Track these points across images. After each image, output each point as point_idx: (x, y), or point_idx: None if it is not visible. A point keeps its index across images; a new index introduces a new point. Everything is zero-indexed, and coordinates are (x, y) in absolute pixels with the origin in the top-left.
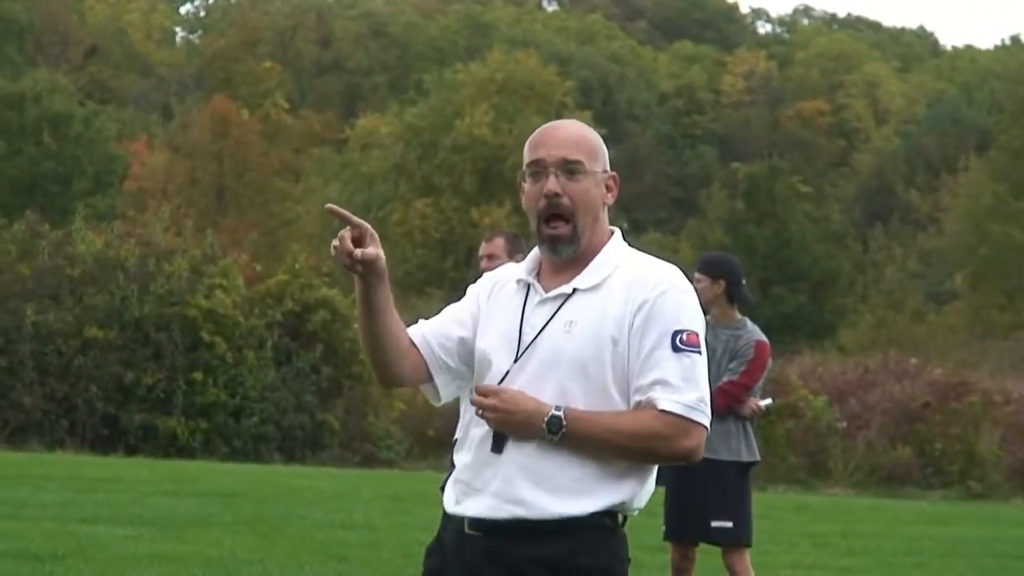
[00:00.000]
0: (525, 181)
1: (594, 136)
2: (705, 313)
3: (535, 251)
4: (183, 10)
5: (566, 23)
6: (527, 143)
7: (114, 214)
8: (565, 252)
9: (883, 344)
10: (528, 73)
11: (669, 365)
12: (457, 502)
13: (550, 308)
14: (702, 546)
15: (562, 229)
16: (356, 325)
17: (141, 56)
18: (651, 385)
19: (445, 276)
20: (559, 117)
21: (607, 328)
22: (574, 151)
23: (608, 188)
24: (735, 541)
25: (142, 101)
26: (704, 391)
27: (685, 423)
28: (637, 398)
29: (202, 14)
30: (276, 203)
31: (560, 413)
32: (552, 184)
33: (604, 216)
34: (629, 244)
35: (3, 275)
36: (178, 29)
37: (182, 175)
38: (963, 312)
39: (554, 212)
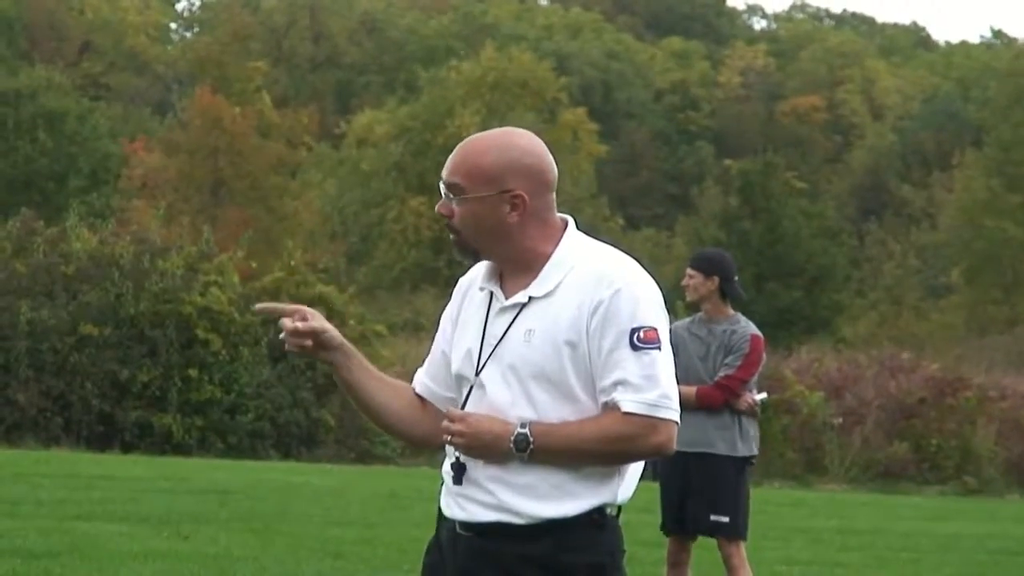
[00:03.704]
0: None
1: (495, 156)
2: (697, 309)
3: None
4: (179, 7)
5: (561, 19)
6: None
7: (109, 211)
8: (465, 257)
9: (882, 339)
10: (521, 70)
11: (629, 364)
12: (447, 505)
13: (508, 317)
14: (698, 539)
15: (454, 237)
16: (352, 322)
17: (136, 53)
18: (613, 386)
19: (439, 274)
20: (553, 114)
21: (564, 334)
22: (455, 174)
23: (514, 207)
24: (732, 535)
25: (137, 98)
26: (666, 386)
27: (651, 421)
28: (603, 399)
29: (195, 7)
30: (273, 198)
31: (526, 431)
32: (439, 204)
33: (526, 228)
34: (603, 238)
35: None
36: (173, 25)
37: (177, 171)
38: (960, 307)
39: (449, 228)
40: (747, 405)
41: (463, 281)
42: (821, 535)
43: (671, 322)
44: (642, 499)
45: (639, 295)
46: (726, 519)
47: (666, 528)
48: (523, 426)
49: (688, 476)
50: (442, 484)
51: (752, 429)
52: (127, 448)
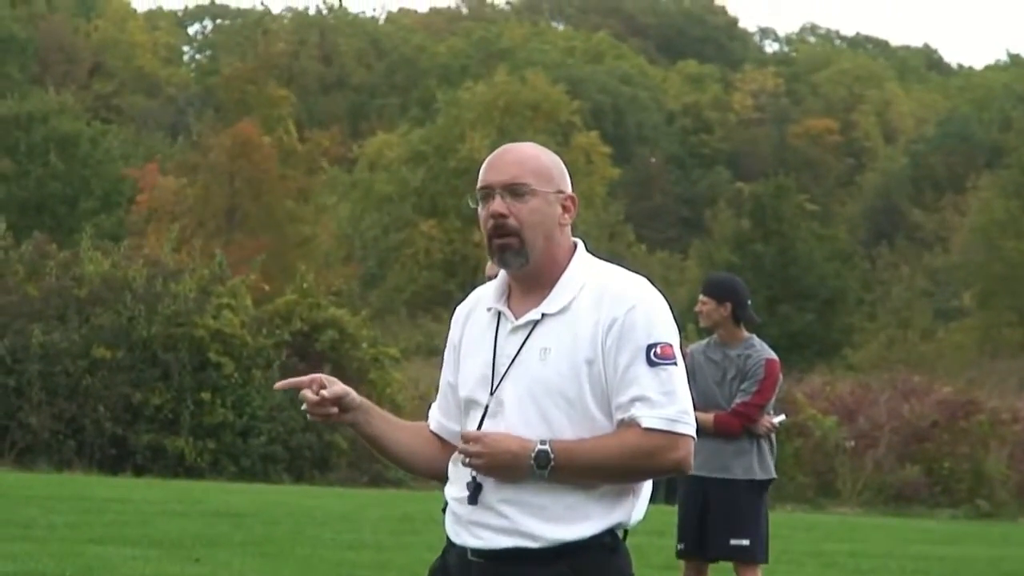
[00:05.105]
0: (478, 205)
1: (548, 158)
2: (710, 334)
3: (503, 274)
4: (191, 30)
5: (575, 43)
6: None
7: (122, 234)
8: (514, 263)
9: (893, 362)
10: (534, 93)
11: (646, 381)
12: (457, 534)
13: (521, 336)
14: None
15: (509, 240)
16: (364, 345)
17: (145, 74)
18: (631, 403)
19: (451, 297)
20: (566, 137)
21: (581, 351)
22: (520, 173)
23: (565, 208)
24: (751, 559)
25: (149, 120)
26: (684, 402)
27: (670, 437)
28: (619, 416)
29: (208, 30)
30: (288, 224)
31: (546, 447)
32: (497, 205)
33: (562, 235)
34: (616, 260)
35: (10, 295)
36: (185, 48)
37: (194, 196)
38: (972, 330)
39: (501, 232)
40: (766, 429)
41: (461, 309)
42: (834, 558)
43: (686, 345)
44: (655, 523)
45: (653, 311)
46: (746, 543)
47: (683, 552)
48: (543, 443)
49: (707, 500)
50: (445, 508)
51: (769, 452)
52: (140, 471)
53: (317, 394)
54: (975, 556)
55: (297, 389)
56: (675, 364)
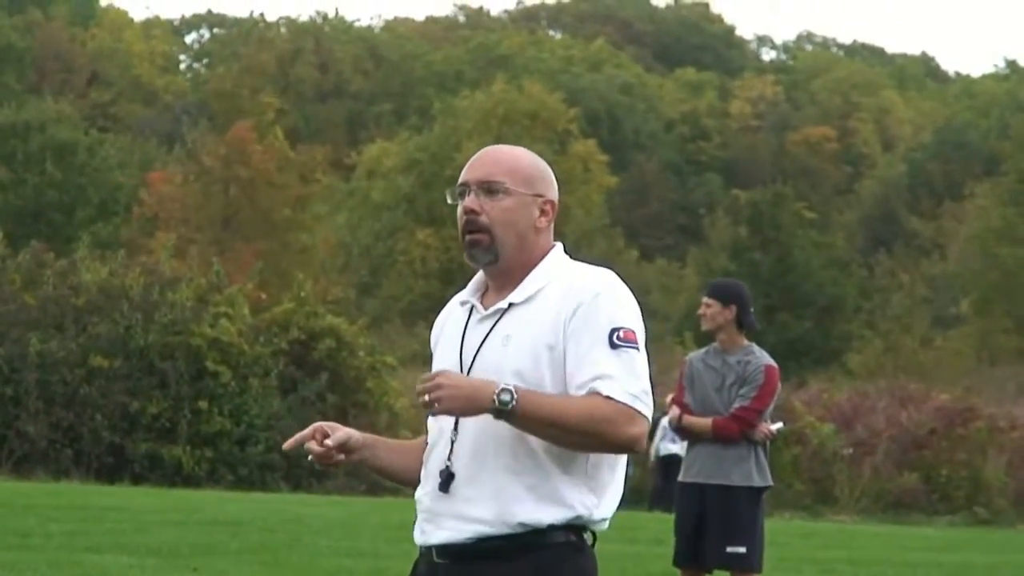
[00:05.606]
0: (456, 202)
1: (529, 160)
2: (713, 338)
3: (480, 272)
4: (188, 39)
5: (572, 51)
6: None
7: (118, 242)
8: (482, 259)
9: (890, 370)
10: (531, 102)
11: (607, 361)
12: (422, 532)
13: (487, 324)
14: (711, 571)
15: (479, 236)
16: (362, 353)
17: (142, 83)
18: (591, 380)
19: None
20: (563, 145)
21: (542, 337)
22: (496, 172)
23: (543, 212)
24: (748, 567)
25: (146, 129)
26: (645, 383)
27: (629, 410)
28: (579, 394)
29: (205, 39)
30: (286, 232)
31: (511, 387)
32: (469, 201)
33: (538, 237)
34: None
35: (8, 304)
36: (182, 57)
37: (193, 203)
38: (970, 337)
39: (471, 228)
40: (763, 435)
41: (441, 315)
42: (832, 566)
43: (684, 353)
44: (653, 530)
45: (617, 299)
46: (743, 550)
47: (679, 560)
48: (508, 384)
49: (704, 507)
50: (416, 520)
51: (765, 459)
52: (137, 480)
53: (321, 444)
54: (973, 563)
55: (302, 424)
56: (637, 349)
